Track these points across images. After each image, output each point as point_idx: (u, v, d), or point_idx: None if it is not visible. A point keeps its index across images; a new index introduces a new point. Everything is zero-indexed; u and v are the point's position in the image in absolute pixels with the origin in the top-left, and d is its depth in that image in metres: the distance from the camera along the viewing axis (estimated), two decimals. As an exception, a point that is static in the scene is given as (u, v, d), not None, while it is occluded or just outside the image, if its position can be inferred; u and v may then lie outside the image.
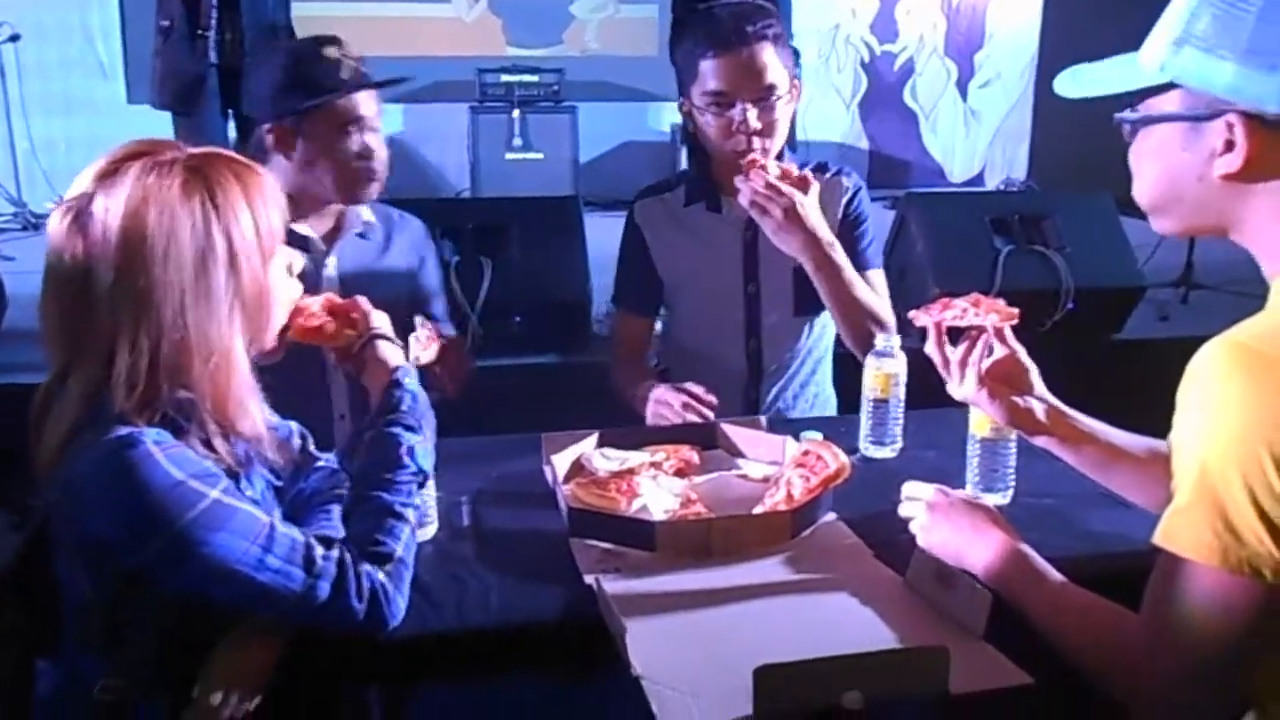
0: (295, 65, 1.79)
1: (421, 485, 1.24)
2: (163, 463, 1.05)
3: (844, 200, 1.96)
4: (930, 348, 1.41)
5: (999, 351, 1.37)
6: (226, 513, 1.07)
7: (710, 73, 1.83)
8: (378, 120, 1.83)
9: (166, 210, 1.06)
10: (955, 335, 1.40)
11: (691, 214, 1.99)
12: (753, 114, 1.81)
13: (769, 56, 1.82)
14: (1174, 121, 1.00)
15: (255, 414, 1.15)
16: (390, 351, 1.32)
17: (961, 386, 1.38)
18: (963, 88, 6.46)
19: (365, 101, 1.80)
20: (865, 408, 1.65)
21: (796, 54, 2.05)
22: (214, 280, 1.09)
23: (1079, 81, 1.08)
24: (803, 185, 1.77)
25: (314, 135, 1.78)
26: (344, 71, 1.78)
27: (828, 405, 2.09)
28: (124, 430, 1.05)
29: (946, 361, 1.39)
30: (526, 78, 5.59)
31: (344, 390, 1.83)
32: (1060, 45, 6.03)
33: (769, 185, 1.74)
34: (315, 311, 1.31)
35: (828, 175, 1.97)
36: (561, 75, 5.65)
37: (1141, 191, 1.07)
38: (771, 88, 1.82)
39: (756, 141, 1.84)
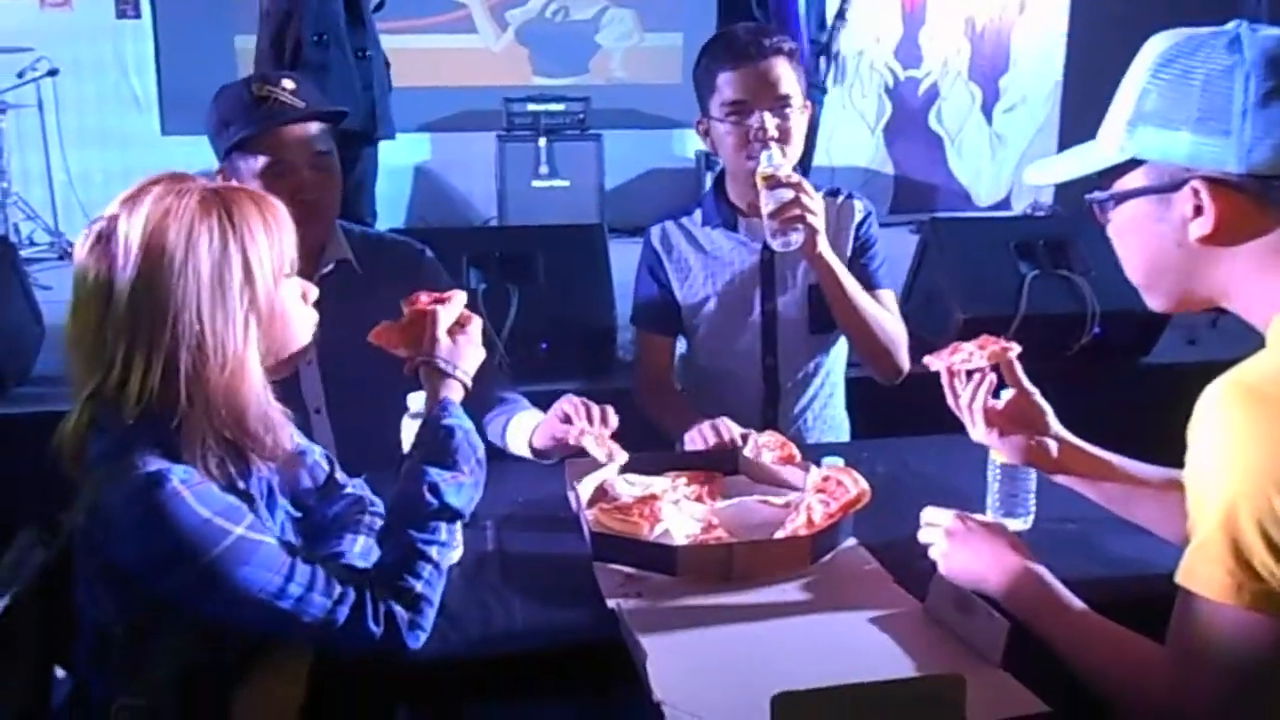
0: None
1: (450, 521, 1.24)
2: (189, 500, 1.07)
3: (854, 225, 2.00)
4: (947, 393, 1.43)
5: (1010, 392, 1.39)
6: (250, 547, 1.09)
7: (728, 84, 1.89)
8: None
9: (184, 225, 1.10)
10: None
11: (709, 235, 2.03)
12: (770, 121, 1.86)
13: (784, 69, 1.89)
14: (1143, 196, 1.02)
15: (279, 430, 1.17)
16: (435, 381, 1.32)
17: (974, 429, 1.40)
18: (988, 112, 6.46)
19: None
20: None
21: (807, 73, 2.08)
22: (230, 291, 1.12)
23: (1046, 169, 1.13)
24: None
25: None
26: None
27: (841, 429, 2.11)
28: (153, 467, 1.07)
29: (959, 406, 1.41)
30: (553, 106, 5.64)
31: (317, 385, 1.79)
32: (1084, 69, 6.03)
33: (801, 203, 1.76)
34: (424, 301, 1.36)
35: (840, 199, 2.01)
36: (587, 103, 5.70)
37: (1129, 270, 1.09)
38: (787, 97, 1.88)
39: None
